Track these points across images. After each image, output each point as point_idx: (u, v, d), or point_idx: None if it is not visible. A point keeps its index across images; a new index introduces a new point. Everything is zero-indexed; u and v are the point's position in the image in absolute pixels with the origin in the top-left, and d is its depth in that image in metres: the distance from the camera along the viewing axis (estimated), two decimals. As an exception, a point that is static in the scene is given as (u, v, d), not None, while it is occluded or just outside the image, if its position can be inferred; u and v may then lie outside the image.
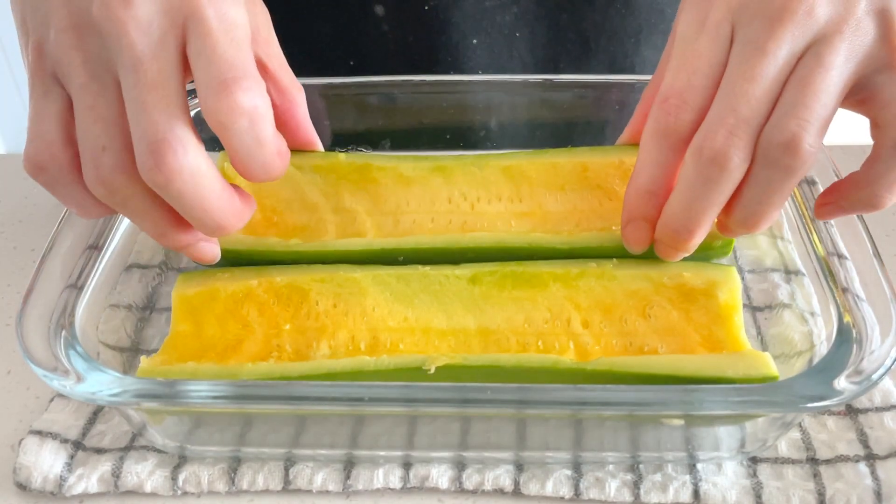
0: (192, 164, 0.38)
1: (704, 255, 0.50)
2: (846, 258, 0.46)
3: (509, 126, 0.62)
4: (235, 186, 0.42)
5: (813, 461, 0.45)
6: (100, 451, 0.46)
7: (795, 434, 0.46)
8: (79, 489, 0.45)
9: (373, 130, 0.61)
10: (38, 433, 0.46)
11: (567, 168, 0.54)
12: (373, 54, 0.69)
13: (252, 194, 0.54)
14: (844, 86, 0.39)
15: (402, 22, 0.67)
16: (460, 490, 0.45)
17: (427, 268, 0.49)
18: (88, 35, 0.38)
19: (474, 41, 0.68)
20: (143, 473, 0.45)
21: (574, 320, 0.47)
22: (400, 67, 0.68)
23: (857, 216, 0.47)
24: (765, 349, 0.50)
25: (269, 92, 0.41)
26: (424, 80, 0.59)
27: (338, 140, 0.60)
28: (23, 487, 0.45)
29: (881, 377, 0.40)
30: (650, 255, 0.49)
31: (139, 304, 0.52)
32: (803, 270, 0.50)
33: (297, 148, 0.50)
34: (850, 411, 0.47)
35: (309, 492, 0.45)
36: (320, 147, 0.52)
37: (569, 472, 0.45)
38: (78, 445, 0.46)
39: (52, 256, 0.47)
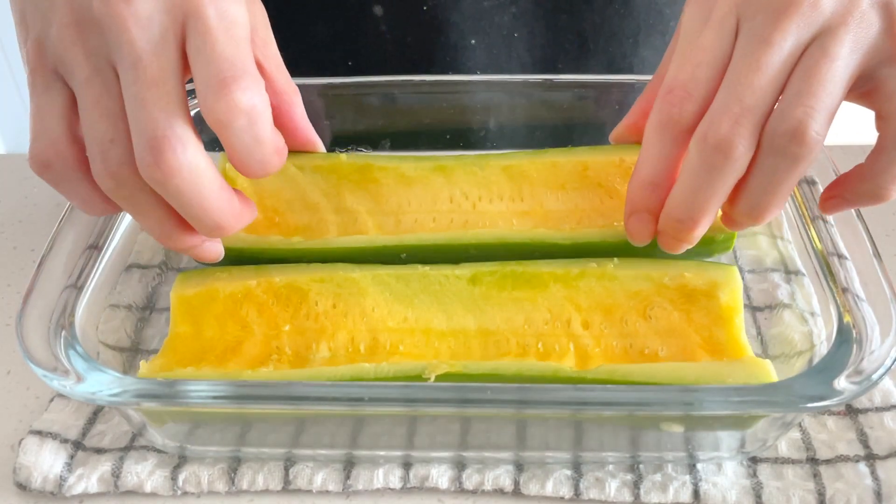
0: (192, 161, 0.38)
1: (707, 250, 0.50)
2: (846, 258, 0.46)
3: (509, 126, 0.62)
4: (236, 191, 0.42)
5: (813, 461, 0.45)
6: (100, 451, 0.46)
7: (795, 434, 0.46)
8: (79, 489, 0.45)
9: (373, 130, 0.61)
10: (38, 433, 0.46)
11: (567, 167, 0.54)
12: (371, 55, 0.69)
13: (254, 195, 0.54)
14: (850, 77, 0.38)
15: (401, 22, 0.67)
16: (460, 490, 0.45)
17: (427, 268, 0.49)
18: (90, 31, 0.38)
19: (473, 41, 0.68)
20: (143, 473, 0.45)
21: (574, 321, 0.47)
22: (398, 68, 0.68)
23: (857, 216, 0.47)
24: (765, 349, 0.50)
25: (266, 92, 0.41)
26: (424, 80, 0.59)
27: (338, 140, 0.60)
28: (23, 487, 0.45)
29: (881, 377, 0.40)
30: (652, 253, 0.49)
31: (139, 304, 0.52)
32: (803, 270, 0.50)
33: (297, 148, 0.50)
34: (850, 411, 0.47)
35: (309, 492, 0.45)
36: (321, 147, 0.52)
37: (569, 472, 0.45)
38: (78, 445, 0.46)
39: (52, 256, 0.47)
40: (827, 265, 0.46)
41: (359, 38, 0.68)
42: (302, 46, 0.68)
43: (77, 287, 0.46)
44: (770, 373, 0.43)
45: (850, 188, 0.43)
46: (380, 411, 0.44)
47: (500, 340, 0.47)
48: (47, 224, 0.62)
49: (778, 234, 0.54)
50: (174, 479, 0.45)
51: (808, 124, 0.37)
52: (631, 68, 0.71)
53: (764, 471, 0.45)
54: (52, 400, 0.49)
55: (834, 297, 0.44)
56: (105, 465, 0.45)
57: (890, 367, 0.40)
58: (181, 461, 0.46)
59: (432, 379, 0.43)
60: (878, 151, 0.41)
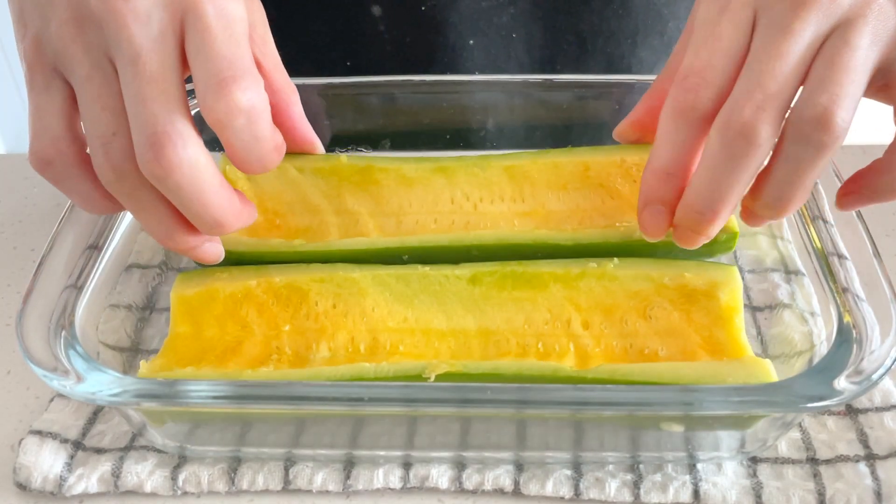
0: (192, 157, 0.38)
1: (709, 250, 0.50)
2: (846, 258, 0.46)
3: (509, 126, 0.62)
4: (237, 191, 0.42)
5: (813, 461, 0.45)
6: (100, 451, 0.46)
7: (795, 434, 0.46)
8: (79, 489, 0.45)
9: (373, 130, 0.61)
10: (38, 433, 0.46)
11: (569, 167, 0.54)
12: (370, 55, 0.69)
13: (254, 197, 0.54)
14: (871, 68, 0.38)
15: (399, 22, 0.67)
16: (460, 490, 0.45)
17: (427, 268, 0.49)
18: (89, 27, 0.39)
19: (471, 42, 0.68)
20: (143, 473, 0.45)
21: (574, 321, 0.47)
22: (397, 68, 0.68)
23: (857, 216, 0.47)
24: (765, 349, 0.50)
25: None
26: (424, 80, 0.59)
27: (338, 140, 0.60)
28: (23, 487, 0.45)
29: (881, 377, 0.40)
30: (653, 253, 0.49)
31: (139, 304, 0.52)
32: (803, 270, 0.50)
33: (295, 147, 0.50)
34: (850, 411, 0.47)
35: (309, 492, 0.45)
36: (319, 146, 0.52)
37: (569, 472, 0.45)
38: (78, 445, 0.46)
39: (52, 256, 0.47)
40: (827, 265, 0.46)
41: (357, 38, 0.68)
42: (301, 46, 0.68)
43: (77, 287, 0.46)
44: (770, 373, 0.43)
45: (867, 184, 0.42)
46: (380, 411, 0.44)
47: (500, 340, 0.47)
48: (47, 224, 0.62)
49: (778, 234, 0.54)
50: (174, 479, 0.45)
51: (833, 111, 0.37)
52: (629, 69, 0.71)
53: (764, 471, 0.45)
54: (52, 400, 0.49)
55: (834, 297, 0.44)
56: (105, 465, 0.45)
57: (890, 367, 0.40)
58: (181, 461, 0.46)
59: (432, 379, 0.43)
60: (895, 146, 0.40)
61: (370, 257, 0.50)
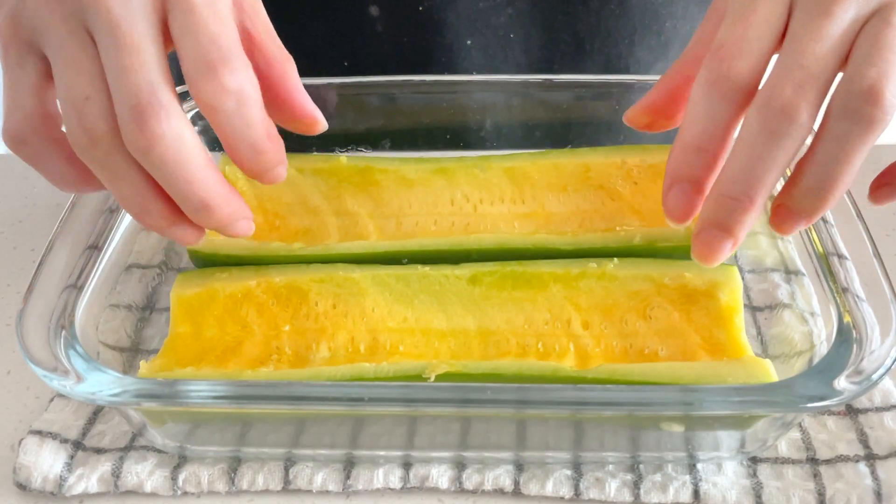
0: (176, 130, 0.37)
1: None
2: (846, 258, 0.46)
3: (510, 126, 0.62)
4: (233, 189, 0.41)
5: (813, 461, 0.45)
6: (100, 451, 0.46)
7: (795, 434, 0.46)
8: (79, 489, 0.45)
9: (373, 130, 0.61)
10: (38, 433, 0.46)
11: (569, 169, 0.54)
12: (367, 55, 0.69)
13: (254, 198, 0.54)
14: None
15: (397, 23, 0.67)
16: (460, 490, 0.45)
17: (427, 268, 0.49)
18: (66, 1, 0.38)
19: (469, 42, 0.68)
20: (143, 473, 0.45)
21: (574, 321, 0.47)
22: (395, 68, 0.68)
23: (857, 216, 0.47)
24: (765, 349, 0.50)
25: (257, 64, 0.40)
26: (424, 80, 0.59)
27: (338, 140, 0.60)
28: (23, 487, 0.45)
29: (881, 377, 0.40)
30: (652, 254, 0.49)
31: (139, 305, 0.52)
32: (803, 270, 0.50)
33: (295, 122, 0.46)
34: (850, 411, 0.47)
35: (309, 492, 0.45)
36: (321, 121, 0.47)
37: (569, 472, 0.45)
38: (78, 445, 0.46)
39: (52, 256, 0.47)
40: (827, 265, 0.46)
41: (355, 39, 0.68)
42: (298, 46, 0.68)
43: (77, 287, 0.46)
44: (770, 373, 0.43)
45: None
46: (380, 411, 0.44)
47: (500, 340, 0.47)
48: (47, 224, 0.62)
49: (777, 234, 0.54)
50: (174, 479, 0.45)
51: (883, 84, 0.36)
52: (627, 69, 0.71)
53: (764, 471, 0.45)
54: (52, 400, 0.49)
55: (834, 297, 0.44)
56: (105, 465, 0.45)
57: (890, 367, 0.40)
58: (181, 461, 0.46)
59: (432, 379, 0.43)
60: None
61: (369, 260, 0.50)
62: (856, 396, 0.39)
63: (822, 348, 0.44)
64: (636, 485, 0.44)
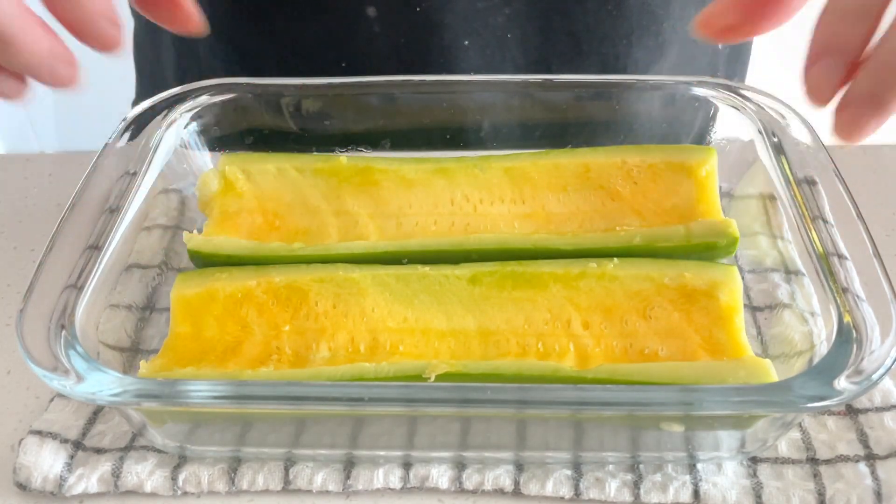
0: None
1: (709, 255, 0.50)
2: (846, 258, 0.46)
3: (509, 126, 0.62)
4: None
5: (813, 461, 0.45)
6: (100, 451, 0.46)
7: (795, 434, 0.46)
8: (79, 489, 0.45)
9: (373, 130, 0.61)
10: (38, 433, 0.46)
11: (569, 169, 0.54)
12: (365, 57, 0.69)
13: (254, 199, 0.54)
14: None
15: (394, 24, 0.67)
16: (460, 490, 0.45)
17: (426, 268, 0.49)
18: None
19: (466, 42, 0.68)
20: (143, 473, 0.45)
21: (574, 321, 0.47)
22: (392, 69, 0.68)
23: (857, 216, 0.47)
24: (765, 349, 0.50)
25: None
26: (425, 80, 0.59)
27: (338, 140, 0.60)
28: (23, 487, 0.45)
29: (881, 377, 0.40)
30: (652, 254, 0.49)
31: (139, 305, 0.52)
32: (803, 270, 0.50)
33: (168, 18, 0.43)
34: (850, 411, 0.47)
35: (309, 492, 0.45)
36: (199, 21, 0.43)
37: (569, 472, 0.45)
38: (78, 445, 0.46)
39: (52, 256, 0.47)
40: (827, 265, 0.46)
41: (352, 40, 0.68)
42: (295, 48, 0.68)
43: (77, 287, 0.46)
44: (770, 373, 0.43)
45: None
46: (380, 411, 0.44)
47: (500, 340, 0.47)
48: (47, 224, 0.62)
49: (778, 234, 0.54)
50: (174, 479, 0.45)
51: None
52: (625, 69, 0.71)
53: (764, 471, 0.45)
54: (52, 400, 0.49)
55: (834, 297, 0.44)
56: (105, 465, 0.45)
57: (890, 367, 0.40)
58: (181, 461, 0.46)
59: (432, 379, 0.43)
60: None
61: (370, 260, 0.50)
62: (856, 396, 0.39)
63: (823, 348, 0.44)
64: (636, 485, 0.44)
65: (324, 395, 0.40)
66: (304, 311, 0.48)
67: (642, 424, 0.44)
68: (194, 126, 0.58)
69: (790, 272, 0.52)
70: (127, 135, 0.55)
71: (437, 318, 0.48)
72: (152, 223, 0.56)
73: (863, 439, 0.46)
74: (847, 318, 0.43)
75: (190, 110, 0.57)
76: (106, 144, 0.54)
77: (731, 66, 0.79)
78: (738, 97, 0.56)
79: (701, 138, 0.59)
